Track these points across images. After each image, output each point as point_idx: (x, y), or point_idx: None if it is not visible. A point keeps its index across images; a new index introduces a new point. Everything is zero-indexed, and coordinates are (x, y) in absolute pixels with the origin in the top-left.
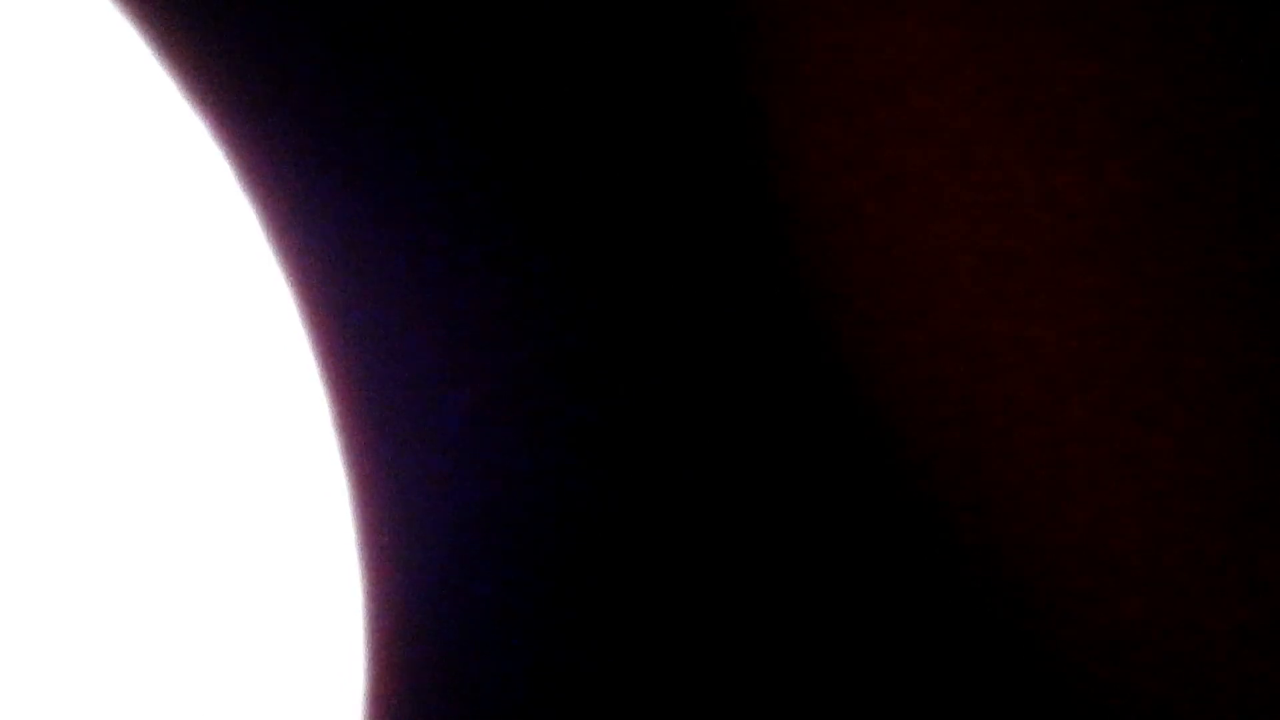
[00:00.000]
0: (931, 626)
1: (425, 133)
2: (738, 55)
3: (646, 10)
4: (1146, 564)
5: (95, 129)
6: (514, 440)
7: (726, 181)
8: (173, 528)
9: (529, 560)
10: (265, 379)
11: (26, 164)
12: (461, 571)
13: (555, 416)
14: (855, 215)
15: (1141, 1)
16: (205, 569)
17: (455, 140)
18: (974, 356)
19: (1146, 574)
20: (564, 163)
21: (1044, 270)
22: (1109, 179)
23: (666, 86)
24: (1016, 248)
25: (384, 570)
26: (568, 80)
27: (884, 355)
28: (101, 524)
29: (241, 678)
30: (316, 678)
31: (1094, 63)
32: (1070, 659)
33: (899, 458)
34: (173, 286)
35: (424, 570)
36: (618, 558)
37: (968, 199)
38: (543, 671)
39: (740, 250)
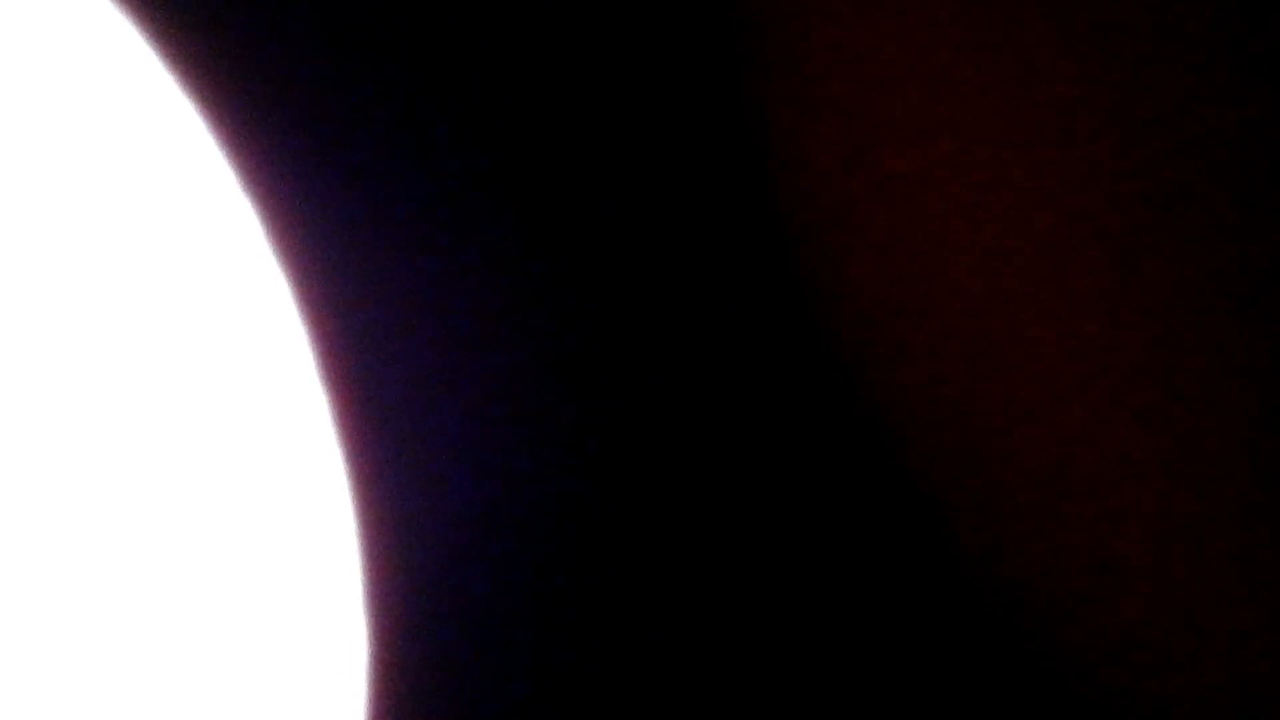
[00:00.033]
0: (931, 626)
1: (425, 133)
2: (738, 55)
3: (646, 10)
4: (1146, 564)
5: (95, 129)
6: (514, 440)
7: (726, 181)
8: (173, 527)
9: (528, 560)
10: (265, 379)
11: (27, 164)
12: (461, 571)
13: (555, 416)
14: (855, 215)
15: (1142, 1)
16: (205, 569)
17: (455, 140)
18: (974, 356)
19: (1146, 574)
20: (564, 163)
21: (1044, 270)
22: (1109, 179)
23: (666, 86)
24: (1016, 248)
25: (384, 570)
26: (568, 80)
27: (884, 355)
28: (102, 523)
29: (242, 677)
30: (317, 677)
31: (1094, 62)
32: (1070, 659)
33: (899, 458)
34: (173, 286)
35: (424, 570)
36: (617, 558)
37: (968, 199)
38: (543, 671)
39: (740, 250)
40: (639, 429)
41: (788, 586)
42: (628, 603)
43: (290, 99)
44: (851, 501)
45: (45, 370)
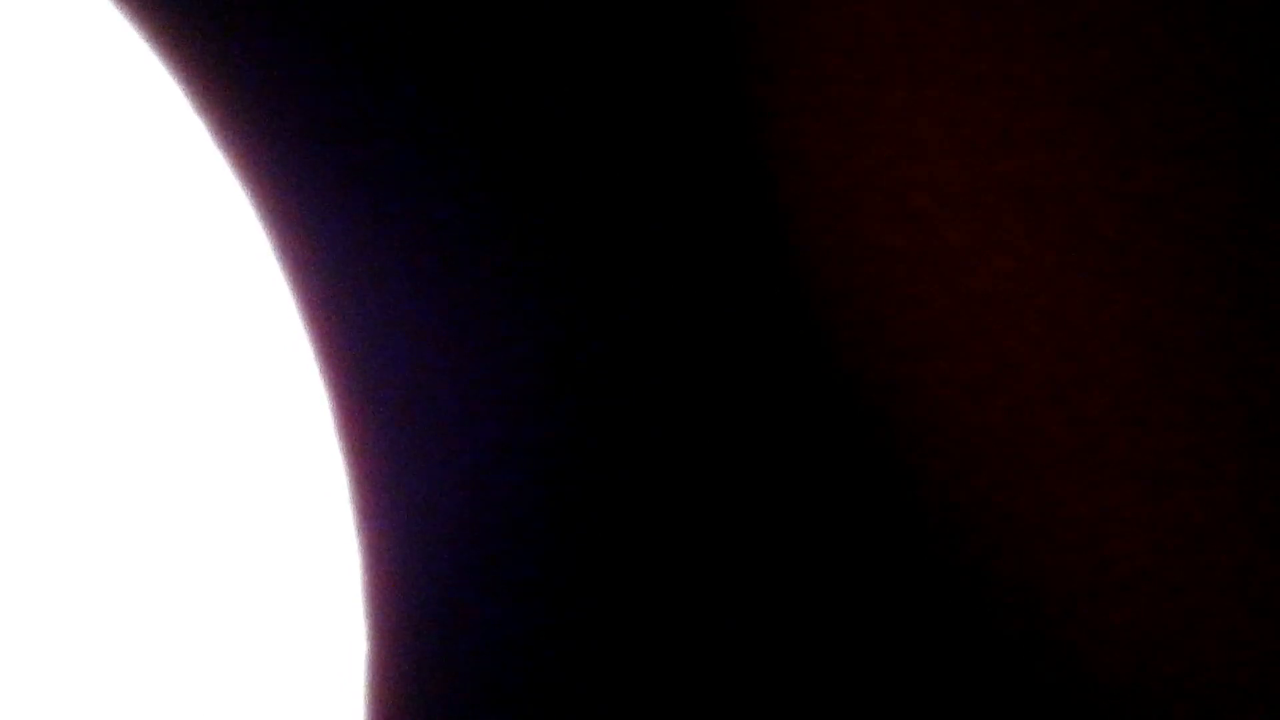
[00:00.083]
0: (931, 626)
1: (425, 133)
2: (738, 55)
3: (646, 10)
4: (1146, 564)
5: (95, 130)
6: (514, 440)
7: (726, 181)
8: (173, 527)
9: (528, 560)
10: (266, 379)
11: (27, 165)
12: (461, 571)
13: (555, 416)
14: (855, 215)
15: (1142, 1)
16: (206, 569)
17: (455, 141)
18: (974, 357)
19: (1146, 574)
20: (564, 163)
21: (1044, 270)
22: (1109, 178)
23: (667, 86)
24: (1017, 247)
25: (384, 570)
26: (567, 80)
27: (884, 355)
28: (102, 524)
29: (242, 677)
30: (317, 677)
31: (1094, 62)
32: (1070, 659)
33: (899, 458)
34: (173, 287)
35: (424, 570)
36: (617, 558)
37: (968, 198)
38: (543, 672)
39: (740, 250)
40: (639, 429)
41: (788, 587)
42: (628, 603)
43: (290, 99)
44: (851, 501)
45: (45, 371)
